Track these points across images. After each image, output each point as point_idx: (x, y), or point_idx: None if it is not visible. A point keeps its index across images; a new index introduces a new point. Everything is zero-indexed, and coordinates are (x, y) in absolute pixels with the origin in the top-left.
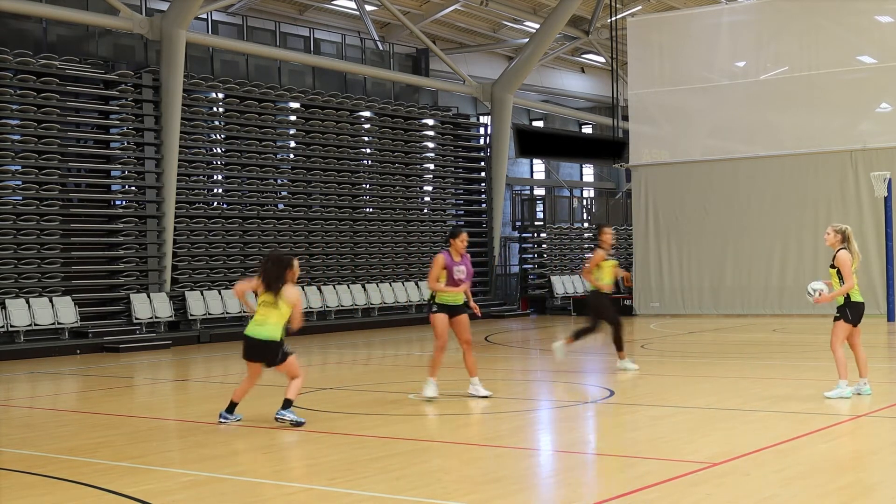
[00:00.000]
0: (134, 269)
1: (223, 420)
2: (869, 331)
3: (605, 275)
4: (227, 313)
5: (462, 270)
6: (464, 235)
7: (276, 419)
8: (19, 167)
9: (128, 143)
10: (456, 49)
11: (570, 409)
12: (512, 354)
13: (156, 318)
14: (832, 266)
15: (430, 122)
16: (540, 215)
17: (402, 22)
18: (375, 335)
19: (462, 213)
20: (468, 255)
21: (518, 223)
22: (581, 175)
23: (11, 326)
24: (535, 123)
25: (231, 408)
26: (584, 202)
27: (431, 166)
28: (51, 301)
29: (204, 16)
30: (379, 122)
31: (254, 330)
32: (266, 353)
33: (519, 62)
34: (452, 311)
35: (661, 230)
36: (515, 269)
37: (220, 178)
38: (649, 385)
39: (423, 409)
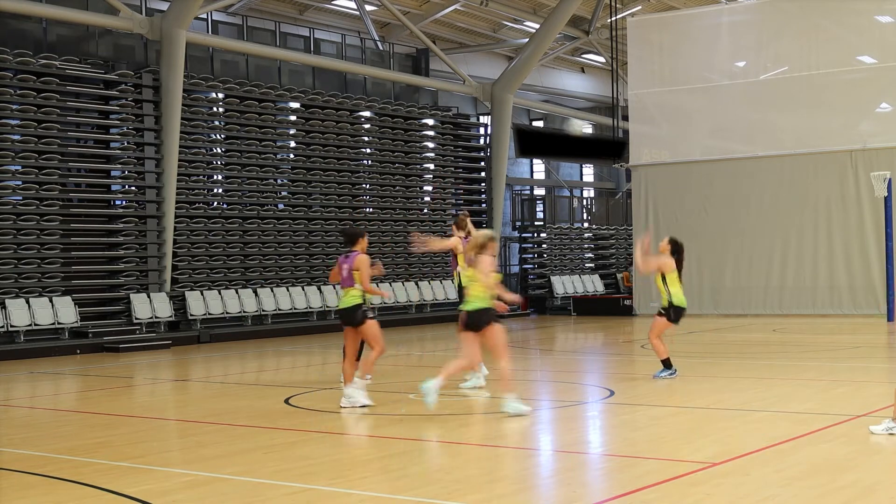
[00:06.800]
0: (134, 269)
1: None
2: (869, 331)
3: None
4: (226, 313)
5: None
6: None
7: None
8: (19, 167)
9: (128, 143)
10: (456, 49)
11: (570, 409)
12: (512, 354)
13: (156, 318)
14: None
15: (430, 122)
16: (540, 215)
17: (402, 22)
18: None
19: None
20: None
21: (518, 223)
22: (581, 175)
23: (11, 326)
24: (535, 123)
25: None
26: (584, 202)
27: (431, 166)
28: (51, 301)
29: (204, 16)
30: (379, 122)
31: None
32: None
33: (519, 62)
34: None
35: (661, 230)
36: (515, 269)
37: (220, 178)
38: (649, 385)
39: (422, 409)
